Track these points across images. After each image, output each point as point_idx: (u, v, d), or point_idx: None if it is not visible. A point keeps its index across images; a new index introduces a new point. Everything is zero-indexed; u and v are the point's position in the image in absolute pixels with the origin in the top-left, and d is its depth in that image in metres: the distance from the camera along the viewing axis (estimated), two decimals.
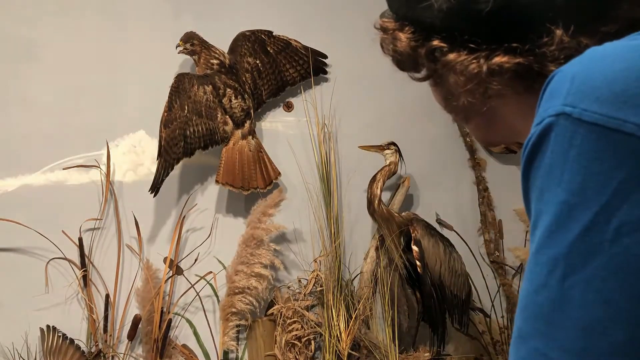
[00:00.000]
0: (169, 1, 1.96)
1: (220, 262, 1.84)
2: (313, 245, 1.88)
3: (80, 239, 1.78)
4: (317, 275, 1.82)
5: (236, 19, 1.97)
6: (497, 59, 0.61)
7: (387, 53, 0.72)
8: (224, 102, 1.84)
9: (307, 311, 1.79)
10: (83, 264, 1.77)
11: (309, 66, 1.96)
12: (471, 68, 0.63)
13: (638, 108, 0.45)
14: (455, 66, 0.64)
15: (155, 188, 1.75)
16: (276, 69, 1.95)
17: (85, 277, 1.76)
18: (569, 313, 0.46)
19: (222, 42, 1.90)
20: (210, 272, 1.83)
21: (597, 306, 0.45)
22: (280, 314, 1.77)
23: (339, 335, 1.73)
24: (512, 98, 0.65)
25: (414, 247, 1.75)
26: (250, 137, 1.87)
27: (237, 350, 1.79)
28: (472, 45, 0.63)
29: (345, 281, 1.82)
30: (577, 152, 0.46)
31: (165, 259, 1.81)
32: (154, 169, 1.76)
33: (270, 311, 1.81)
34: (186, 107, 1.78)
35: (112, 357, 1.74)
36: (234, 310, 1.75)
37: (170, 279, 1.82)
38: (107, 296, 1.78)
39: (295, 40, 1.96)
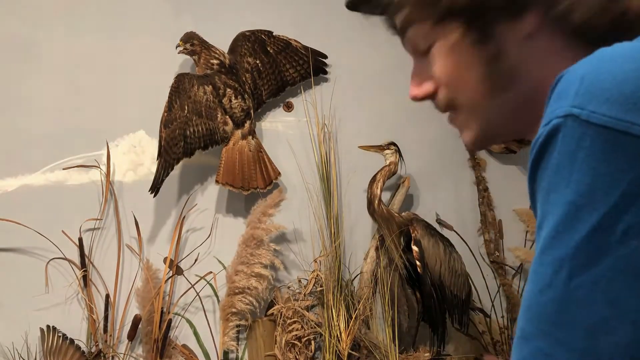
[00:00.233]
0: (169, 1, 1.96)
1: (220, 262, 1.84)
2: (313, 245, 1.88)
3: (80, 239, 1.78)
4: (317, 275, 1.82)
5: (236, 19, 1.97)
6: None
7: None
8: (224, 102, 1.84)
9: (307, 311, 1.79)
10: (83, 264, 1.77)
11: (309, 66, 1.96)
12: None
13: None
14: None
15: (155, 188, 1.74)
16: (276, 69, 1.95)
17: (85, 277, 1.76)
18: (575, 313, 0.46)
19: (222, 42, 1.90)
20: (210, 272, 1.83)
21: (603, 306, 0.45)
22: (280, 314, 1.77)
23: (339, 335, 1.73)
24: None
25: (414, 247, 1.75)
26: (250, 137, 1.87)
27: (237, 350, 1.79)
28: None
29: (345, 281, 1.82)
30: (585, 153, 0.46)
31: (165, 259, 1.81)
32: (154, 169, 1.76)
33: (270, 311, 1.81)
34: (186, 107, 1.78)
35: (112, 357, 1.74)
36: (234, 310, 1.75)
37: (170, 279, 1.82)
38: (107, 296, 1.78)
39: (295, 40, 1.96)
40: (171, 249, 1.82)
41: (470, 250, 1.94)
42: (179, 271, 1.82)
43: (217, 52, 1.86)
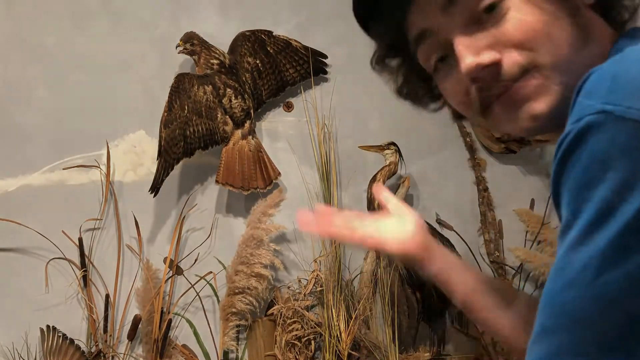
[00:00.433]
0: (169, 1, 1.96)
1: (220, 262, 1.84)
2: (313, 245, 1.88)
3: (80, 239, 1.78)
4: (317, 275, 1.82)
5: (236, 19, 1.97)
6: None
7: None
8: (224, 102, 1.84)
9: (307, 311, 1.79)
10: (83, 264, 1.77)
11: (309, 66, 1.96)
12: None
13: None
14: None
15: (155, 188, 1.74)
16: (276, 69, 1.95)
17: (85, 277, 1.76)
18: (601, 310, 0.46)
19: (222, 42, 1.90)
20: (210, 272, 1.83)
21: (631, 303, 0.45)
22: (280, 314, 1.77)
23: (339, 335, 1.73)
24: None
25: None
26: (250, 137, 1.87)
27: (237, 350, 1.79)
28: None
29: (345, 281, 1.82)
30: (620, 149, 0.46)
31: (165, 259, 1.81)
32: (154, 169, 1.76)
33: (270, 311, 1.81)
34: (186, 107, 1.78)
35: (112, 357, 1.74)
36: (234, 310, 1.75)
37: (170, 279, 1.82)
38: (107, 296, 1.78)
39: (295, 40, 1.96)
40: (171, 249, 1.82)
41: (470, 250, 1.94)
42: (179, 271, 1.82)
43: (217, 52, 1.86)
